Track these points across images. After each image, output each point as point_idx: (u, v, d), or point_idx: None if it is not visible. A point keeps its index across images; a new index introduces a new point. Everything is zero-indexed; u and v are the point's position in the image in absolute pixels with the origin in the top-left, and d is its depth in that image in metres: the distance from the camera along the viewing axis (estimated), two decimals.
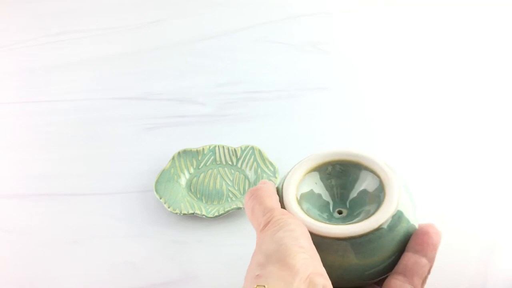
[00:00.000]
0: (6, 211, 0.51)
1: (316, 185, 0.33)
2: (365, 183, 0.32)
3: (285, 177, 0.32)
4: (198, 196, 0.51)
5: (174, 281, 0.44)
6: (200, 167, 0.54)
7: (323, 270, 0.26)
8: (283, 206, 0.30)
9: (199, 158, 0.54)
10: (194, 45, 0.76)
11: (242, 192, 0.51)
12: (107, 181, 0.54)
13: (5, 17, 0.87)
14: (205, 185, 0.52)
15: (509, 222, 0.48)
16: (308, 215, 0.30)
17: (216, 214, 0.48)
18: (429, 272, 0.28)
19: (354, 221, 0.30)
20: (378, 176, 0.31)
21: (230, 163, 0.54)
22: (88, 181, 0.54)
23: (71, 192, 0.53)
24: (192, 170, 0.54)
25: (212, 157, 0.55)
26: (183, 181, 0.53)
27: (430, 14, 0.81)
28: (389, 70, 0.69)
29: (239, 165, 0.54)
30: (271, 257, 0.25)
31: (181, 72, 0.71)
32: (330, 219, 0.31)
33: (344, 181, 0.33)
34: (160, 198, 0.49)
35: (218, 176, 0.53)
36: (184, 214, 0.48)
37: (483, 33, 0.76)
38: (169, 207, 0.48)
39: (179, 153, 0.54)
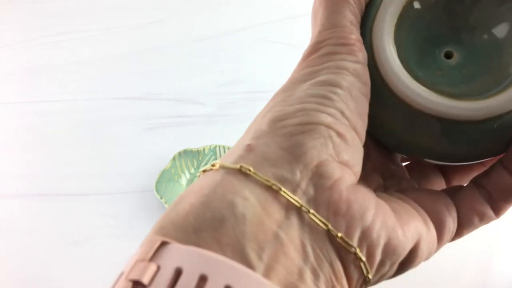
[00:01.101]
0: (6, 211, 0.51)
1: (428, 8, 0.21)
2: (506, 27, 0.20)
3: None
4: None
5: None
6: (201, 167, 0.54)
7: (350, 157, 0.18)
8: (369, 26, 0.20)
9: (200, 158, 0.54)
10: (194, 45, 0.76)
11: None
12: (107, 181, 0.54)
13: (6, 17, 0.87)
14: None
15: (509, 223, 0.48)
16: (400, 59, 0.20)
17: None
18: None
19: (466, 87, 0.20)
20: None
21: None
22: (88, 181, 0.54)
23: (71, 192, 0.53)
24: (192, 170, 0.54)
25: (213, 157, 0.55)
26: (184, 181, 0.53)
27: None
28: None
29: None
30: (278, 122, 0.18)
31: (181, 72, 0.71)
32: (430, 64, 0.21)
33: (472, 13, 0.21)
34: (161, 198, 0.49)
35: None
36: None
37: None
38: None
39: (179, 153, 0.54)
